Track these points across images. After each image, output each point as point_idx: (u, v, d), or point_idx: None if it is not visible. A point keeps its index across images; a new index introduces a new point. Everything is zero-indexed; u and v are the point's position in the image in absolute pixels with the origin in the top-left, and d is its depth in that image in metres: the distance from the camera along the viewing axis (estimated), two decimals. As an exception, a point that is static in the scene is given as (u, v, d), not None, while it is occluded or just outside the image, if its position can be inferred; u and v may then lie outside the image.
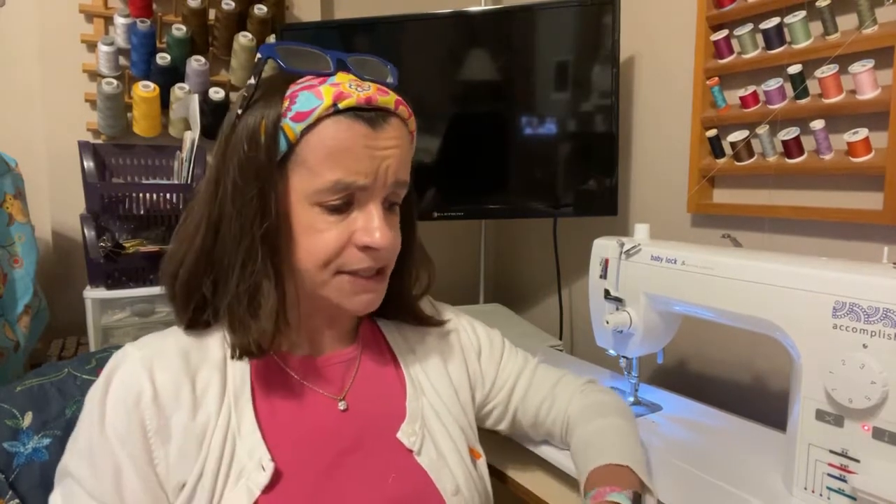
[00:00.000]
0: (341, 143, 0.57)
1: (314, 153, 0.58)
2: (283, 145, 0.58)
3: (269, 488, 0.56)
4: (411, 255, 0.71)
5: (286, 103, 0.58)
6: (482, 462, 0.72)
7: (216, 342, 0.64)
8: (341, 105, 0.57)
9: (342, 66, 0.62)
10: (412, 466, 0.64)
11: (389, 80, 0.64)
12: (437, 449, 0.66)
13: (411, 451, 0.64)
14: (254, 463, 0.57)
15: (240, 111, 0.60)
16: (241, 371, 0.63)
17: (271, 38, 1.52)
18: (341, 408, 0.65)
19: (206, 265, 0.62)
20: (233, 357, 0.61)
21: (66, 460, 0.58)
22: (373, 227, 0.59)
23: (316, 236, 0.59)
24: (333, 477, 0.60)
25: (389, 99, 0.60)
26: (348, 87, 0.58)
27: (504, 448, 0.86)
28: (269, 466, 0.57)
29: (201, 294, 0.62)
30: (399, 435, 0.65)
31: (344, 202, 0.59)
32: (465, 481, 0.65)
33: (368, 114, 0.59)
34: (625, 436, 0.70)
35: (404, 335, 0.75)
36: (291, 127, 0.58)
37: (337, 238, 0.59)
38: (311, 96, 0.58)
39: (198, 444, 0.58)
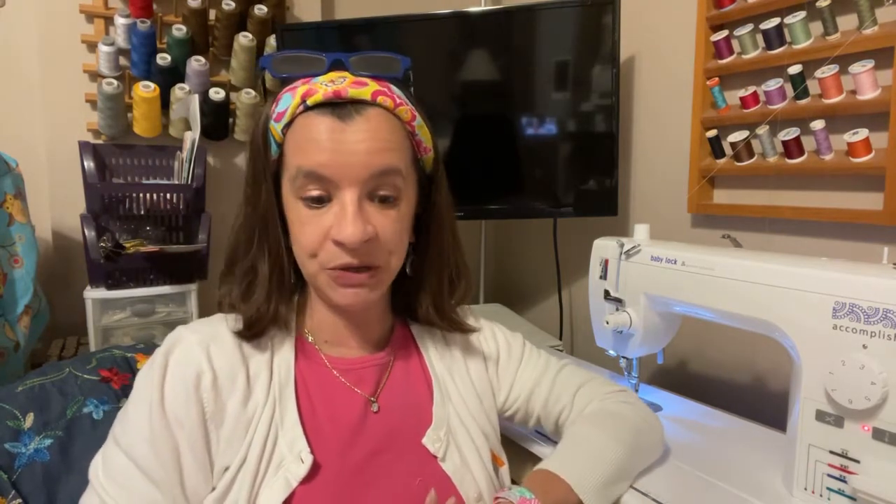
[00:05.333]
0: (308, 135, 0.59)
1: (290, 149, 0.61)
2: (273, 147, 0.63)
3: (306, 480, 0.58)
4: (440, 257, 0.71)
5: (273, 106, 0.62)
6: (504, 470, 0.72)
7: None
8: (309, 101, 0.59)
9: (339, 66, 0.63)
10: (437, 472, 0.64)
11: (394, 72, 0.64)
12: (461, 456, 0.66)
13: (436, 458, 0.65)
14: (293, 455, 0.59)
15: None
16: (286, 364, 0.64)
17: (271, 39, 1.52)
18: (374, 409, 0.66)
19: (231, 263, 0.67)
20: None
21: (118, 436, 0.58)
22: (344, 221, 0.58)
23: (301, 230, 0.61)
24: (364, 475, 0.61)
25: (364, 90, 0.60)
26: (321, 84, 0.60)
27: (507, 450, 0.86)
28: (308, 459, 0.58)
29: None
30: (424, 441, 0.66)
31: (320, 195, 0.60)
32: (488, 488, 0.66)
33: (338, 107, 0.59)
34: (599, 453, 0.66)
35: (434, 340, 0.76)
36: (275, 127, 0.62)
37: (315, 232, 0.60)
38: (288, 97, 0.61)
39: (244, 430, 0.59)
